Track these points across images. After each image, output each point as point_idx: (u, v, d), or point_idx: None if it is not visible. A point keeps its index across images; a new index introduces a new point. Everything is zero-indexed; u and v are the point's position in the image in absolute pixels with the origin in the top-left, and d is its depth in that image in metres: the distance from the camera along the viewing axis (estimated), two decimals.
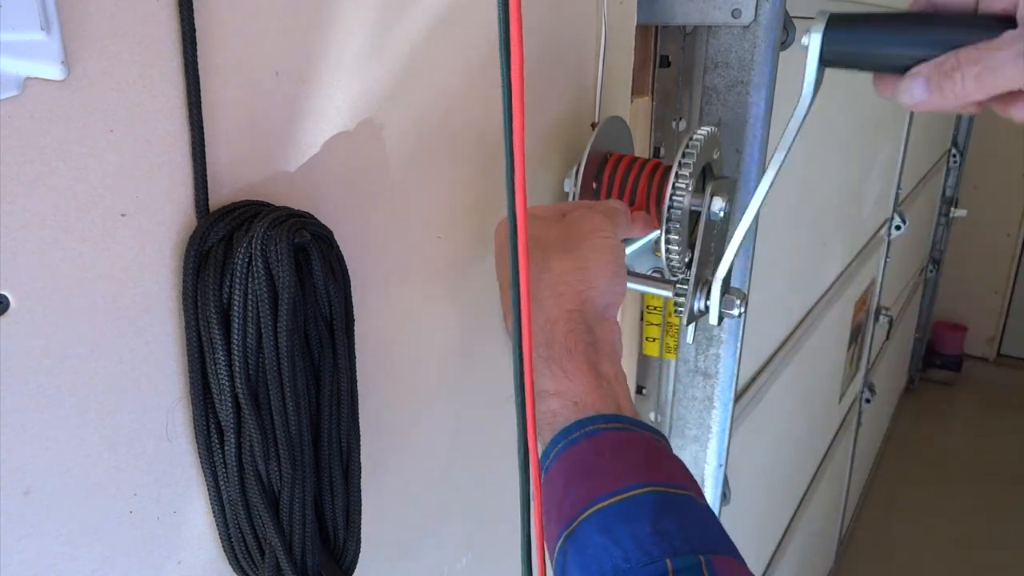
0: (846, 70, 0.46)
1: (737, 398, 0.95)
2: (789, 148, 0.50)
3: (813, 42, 0.45)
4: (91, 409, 0.37)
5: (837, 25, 0.44)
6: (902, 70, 0.42)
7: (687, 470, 0.45)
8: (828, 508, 2.18)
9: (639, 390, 0.99)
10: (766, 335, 1.29)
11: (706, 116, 0.82)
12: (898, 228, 2.07)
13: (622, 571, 0.38)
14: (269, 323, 0.40)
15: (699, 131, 0.64)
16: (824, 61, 0.46)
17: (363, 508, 0.49)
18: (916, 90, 0.41)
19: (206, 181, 0.39)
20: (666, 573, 0.37)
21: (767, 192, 0.54)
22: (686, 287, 0.66)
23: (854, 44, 0.45)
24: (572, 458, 0.44)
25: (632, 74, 0.79)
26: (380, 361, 0.54)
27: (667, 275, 0.69)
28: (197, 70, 0.37)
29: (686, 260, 0.65)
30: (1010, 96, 0.39)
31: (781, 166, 0.51)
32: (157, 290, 0.39)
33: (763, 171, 0.80)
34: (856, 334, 1.99)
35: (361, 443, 0.48)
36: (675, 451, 0.49)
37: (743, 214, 0.58)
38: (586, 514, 0.41)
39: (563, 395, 0.47)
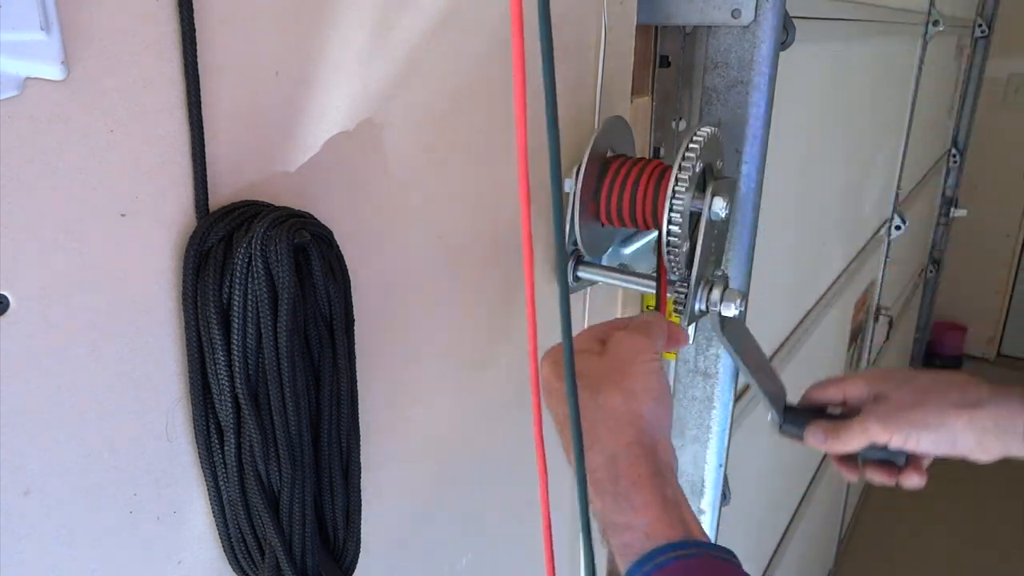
0: None
1: (737, 398, 0.95)
2: None
3: None
4: (91, 409, 0.37)
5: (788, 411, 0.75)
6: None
7: None
8: (828, 508, 2.18)
9: None
10: (766, 335, 1.29)
11: (706, 116, 0.82)
12: (898, 228, 2.07)
13: None
14: (269, 323, 0.40)
15: (699, 131, 0.64)
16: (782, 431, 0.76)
17: (363, 508, 0.49)
18: (818, 437, 0.71)
19: (206, 181, 0.39)
20: None
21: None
22: (686, 287, 0.66)
23: None
24: None
25: (632, 74, 0.79)
26: (380, 361, 0.54)
27: (667, 275, 0.69)
28: (197, 70, 0.37)
29: (686, 260, 0.65)
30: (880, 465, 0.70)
31: None
32: (157, 290, 0.39)
33: (763, 171, 0.80)
34: (856, 334, 1.99)
35: (361, 443, 0.48)
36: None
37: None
38: None
39: (635, 528, 0.48)
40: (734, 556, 0.49)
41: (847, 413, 0.71)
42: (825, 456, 2.03)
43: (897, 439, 0.65)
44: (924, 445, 0.65)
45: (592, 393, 0.53)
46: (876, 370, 0.73)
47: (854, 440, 0.67)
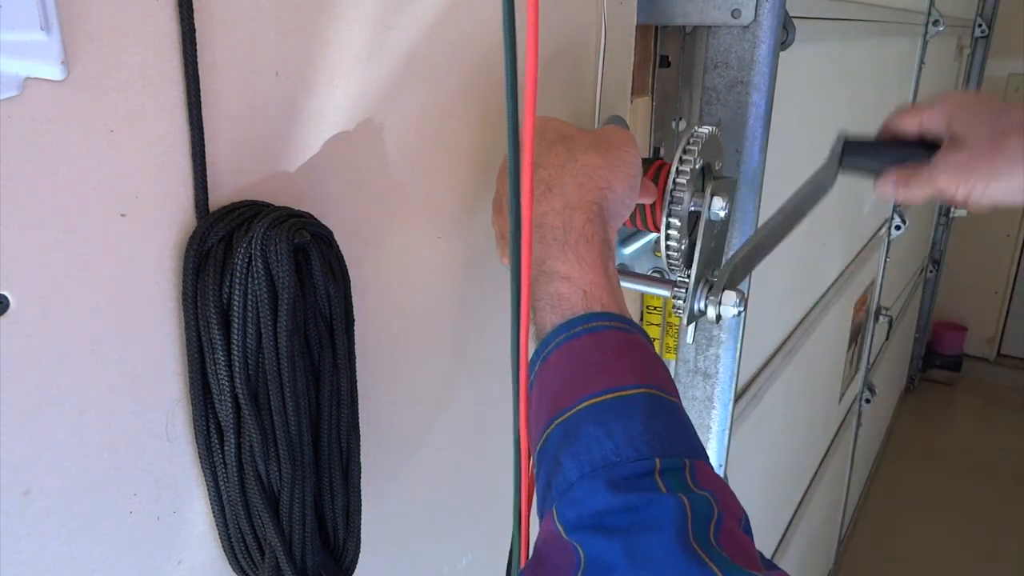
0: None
1: (737, 398, 0.95)
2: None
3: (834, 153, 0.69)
4: (91, 409, 0.37)
5: (851, 145, 0.69)
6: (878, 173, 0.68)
7: (672, 378, 0.47)
8: (828, 508, 2.18)
9: None
10: (766, 335, 1.29)
11: (706, 116, 0.82)
12: (898, 228, 2.07)
13: (612, 463, 0.39)
14: (269, 323, 0.40)
15: (698, 130, 0.64)
16: (842, 166, 0.70)
17: (363, 508, 0.49)
18: (888, 188, 0.67)
19: (206, 181, 0.39)
20: (653, 470, 0.39)
21: None
22: (685, 287, 0.66)
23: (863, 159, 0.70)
24: (574, 351, 0.45)
25: (632, 74, 0.79)
26: (380, 361, 0.54)
27: (667, 275, 0.69)
28: (197, 70, 0.37)
29: (686, 260, 0.65)
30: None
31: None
32: (157, 290, 0.39)
33: (763, 171, 0.80)
34: (856, 334, 1.99)
35: (361, 443, 0.48)
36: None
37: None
38: (582, 405, 0.42)
39: (574, 281, 0.47)
40: (652, 342, 0.49)
41: (924, 145, 0.65)
42: (825, 456, 2.03)
43: (963, 191, 0.60)
44: (990, 196, 0.60)
45: (570, 150, 0.52)
46: (958, 99, 0.64)
47: (922, 193, 0.64)
